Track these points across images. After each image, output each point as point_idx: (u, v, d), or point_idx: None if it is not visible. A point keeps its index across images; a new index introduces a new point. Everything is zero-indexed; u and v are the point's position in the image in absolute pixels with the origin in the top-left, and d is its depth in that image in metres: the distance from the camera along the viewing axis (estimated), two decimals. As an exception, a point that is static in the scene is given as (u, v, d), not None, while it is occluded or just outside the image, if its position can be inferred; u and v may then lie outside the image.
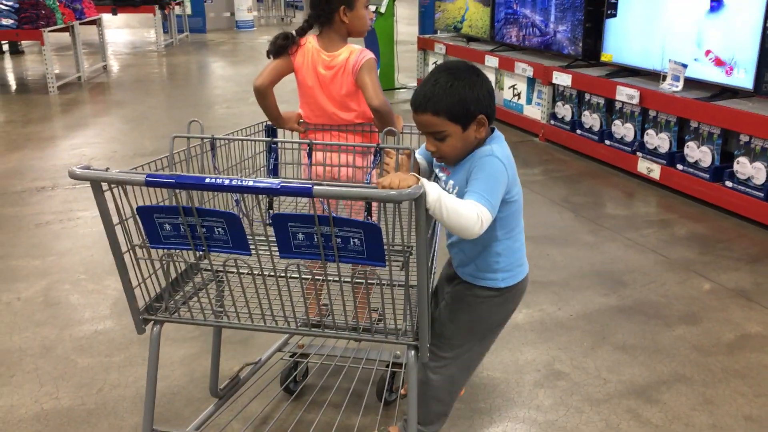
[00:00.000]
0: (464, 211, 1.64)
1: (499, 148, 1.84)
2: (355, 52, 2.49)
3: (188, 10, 15.34)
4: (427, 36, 8.66)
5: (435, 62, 8.33)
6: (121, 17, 13.60)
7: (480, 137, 1.84)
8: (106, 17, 11.34)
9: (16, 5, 8.16)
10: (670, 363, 2.85)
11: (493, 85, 2.63)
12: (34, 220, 4.41)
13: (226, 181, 1.51)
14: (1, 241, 4.08)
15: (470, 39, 7.86)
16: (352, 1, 2.47)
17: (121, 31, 16.47)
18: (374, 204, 2.12)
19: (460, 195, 1.77)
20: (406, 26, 11.54)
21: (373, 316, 2.06)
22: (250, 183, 1.51)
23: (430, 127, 1.80)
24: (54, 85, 8.52)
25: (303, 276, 1.99)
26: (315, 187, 1.48)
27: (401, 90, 8.74)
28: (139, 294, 1.88)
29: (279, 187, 1.51)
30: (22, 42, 12.20)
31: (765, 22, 4.26)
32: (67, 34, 9.47)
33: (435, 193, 1.61)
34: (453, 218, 1.63)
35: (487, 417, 2.50)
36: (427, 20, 8.93)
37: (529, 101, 6.56)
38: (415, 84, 8.75)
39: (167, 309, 1.90)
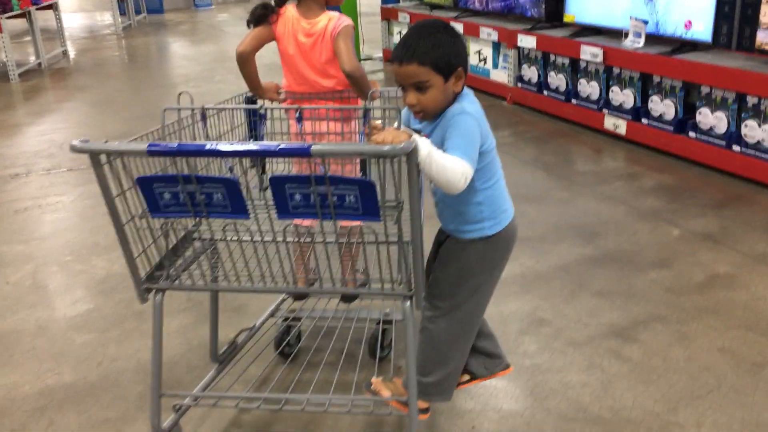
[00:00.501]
0: (450, 165, 1.73)
1: (469, 104, 1.92)
2: (333, 18, 2.56)
3: (144, -9, 15.09)
4: (390, 5, 8.68)
5: (399, 32, 8.37)
6: (76, 0, 13.36)
7: (457, 90, 1.92)
8: (61, 1, 11.12)
9: (-30, -8, 7.98)
10: (645, 305, 3.00)
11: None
12: (13, 206, 4.41)
13: (226, 146, 1.58)
14: (-19, 229, 4.09)
15: (433, 6, 7.91)
16: None
17: (75, 15, 16.14)
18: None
19: None
20: (367, -3, 11.51)
21: (358, 277, 2.16)
22: (250, 147, 1.58)
23: (413, 78, 1.86)
24: (15, 73, 8.38)
25: (294, 240, 2.07)
26: (313, 146, 1.56)
27: (367, 61, 8.77)
28: (140, 265, 1.94)
29: (278, 148, 1.58)
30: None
31: (720, -24, 4.39)
32: (20, 20, 9.29)
33: (425, 148, 1.70)
34: (441, 173, 1.72)
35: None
36: (389, -11, 8.94)
37: (495, 65, 6.66)
38: (380, 54, 8.79)
39: (168, 277, 1.97)
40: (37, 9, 9.29)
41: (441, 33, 1.87)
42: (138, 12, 14.58)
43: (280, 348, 2.59)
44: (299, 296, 2.70)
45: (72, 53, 10.54)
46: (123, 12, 13.82)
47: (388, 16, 8.53)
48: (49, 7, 9.96)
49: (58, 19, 10.25)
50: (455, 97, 1.93)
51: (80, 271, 3.52)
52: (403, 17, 8.06)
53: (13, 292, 3.33)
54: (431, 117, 1.95)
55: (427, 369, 2.15)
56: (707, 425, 2.27)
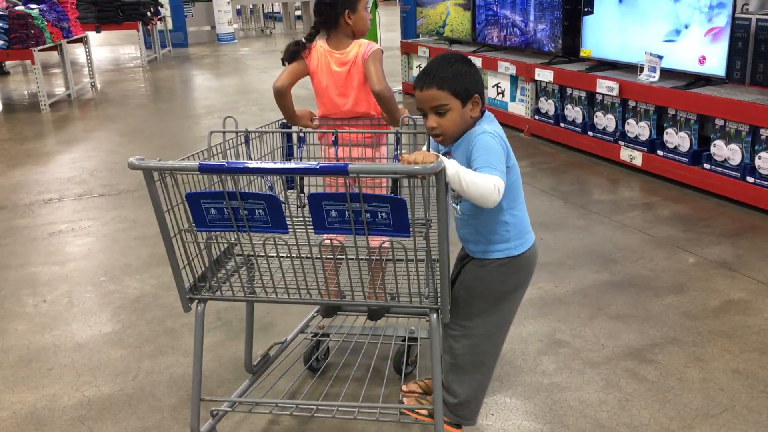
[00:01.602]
0: (481, 181, 1.86)
1: (488, 125, 2.07)
2: (363, 45, 2.75)
3: (170, 26, 15.51)
4: (410, 40, 8.91)
5: (419, 65, 8.58)
6: (103, 35, 13.75)
7: (474, 116, 2.07)
8: (89, 35, 11.48)
9: (6, 26, 8.30)
10: (661, 328, 3.08)
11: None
12: (47, 229, 4.58)
13: (271, 165, 1.72)
14: (17, 250, 4.25)
15: (452, 41, 8.12)
16: (354, 3, 2.72)
17: (102, 49, 16.60)
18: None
19: None
20: (386, 32, 11.79)
21: (379, 297, 2.27)
22: (292, 165, 1.72)
23: (433, 101, 2.02)
24: (46, 103, 8.66)
25: (326, 257, 2.20)
26: (350, 165, 1.69)
27: (387, 94, 8.96)
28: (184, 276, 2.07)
29: (318, 167, 1.72)
30: (6, 63, 12.30)
31: (733, 13, 4.54)
32: (49, 53, 9.60)
33: (453, 167, 1.83)
34: (472, 188, 1.85)
35: (498, 383, 2.72)
36: (409, 25, 9.18)
37: (513, 98, 6.82)
38: (400, 87, 9.00)
39: (210, 288, 2.10)
40: (68, 42, 9.61)
41: (459, 63, 2.04)
42: (163, 46, 14.97)
43: (309, 363, 2.70)
44: (328, 313, 2.81)
45: (99, 85, 10.85)
46: (149, 46, 14.21)
47: (408, 50, 8.76)
48: (79, 40, 10.30)
49: (88, 52, 10.58)
50: (474, 122, 2.07)
51: (114, 290, 3.66)
52: (423, 51, 8.27)
53: (51, 310, 3.47)
54: (450, 141, 2.09)
55: (451, 389, 2.23)
56: (722, 441, 2.35)
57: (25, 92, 10.52)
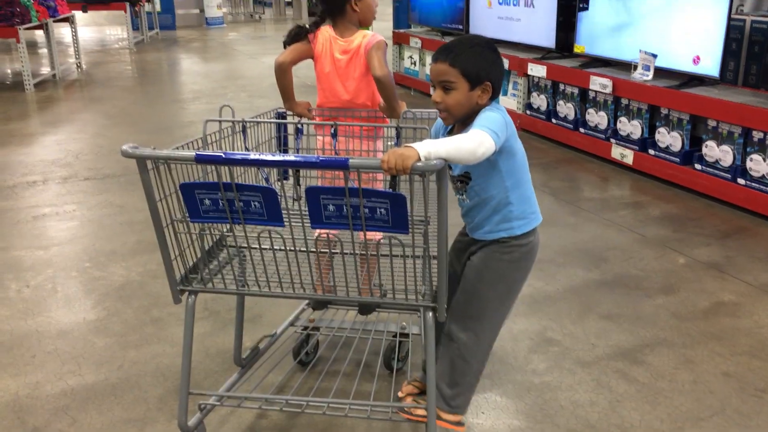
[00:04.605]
0: (461, 138, 1.84)
1: (494, 107, 2.05)
2: (367, 35, 2.72)
3: (158, 7, 15.31)
4: (402, 30, 8.84)
5: (410, 56, 8.53)
6: (89, 15, 13.53)
7: (481, 103, 2.04)
8: (75, 14, 11.30)
9: (-9, 3, 8.14)
10: (651, 329, 3.07)
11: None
12: (31, 212, 4.49)
13: (271, 157, 1.68)
14: (0, 233, 4.17)
15: (445, 33, 8.06)
16: None
17: (88, 29, 16.35)
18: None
19: None
20: (378, 22, 11.70)
21: (374, 293, 2.24)
22: (292, 158, 1.67)
23: (442, 76, 2.00)
24: (30, 83, 8.51)
25: (320, 251, 2.16)
26: (351, 160, 1.65)
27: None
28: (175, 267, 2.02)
29: (318, 160, 1.68)
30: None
31: (729, 14, 4.53)
32: (33, 32, 9.43)
33: (427, 146, 1.75)
34: (456, 149, 1.79)
35: (488, 381, 2.69)
36: (401, 15, 9.12)
37: (505, 93, 6.79)
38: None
39: (202, 280, 2.05)
40: (54, 21, 9.45)
41: (479, 46, 2.03)
42: (151, 28, 14.78)
43: (299, 357, 2.67)
44: (319, 306, 2.78)
45: (85, 66, 10.69)
46: (136, 27, 14.02)
47: (400, 40, 8.70)
48: (66, 20, 10.13)
49: (74, 32, 10.41)
50: (480, 108, 2.04)
51: (99, 277, 3.60)
52: (415, 42, 8.21)
53: (34, 295, 3.40)
54: (452, 120, 2.08)
55: (453, 380, 2.22)
56: (712, 445, 2.34)
57: (9, 71, 10.34)
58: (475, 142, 1.83)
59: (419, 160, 1.70)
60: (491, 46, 2.06)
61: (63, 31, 13.47)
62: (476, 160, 1.85)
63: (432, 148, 1.76)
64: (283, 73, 2.70)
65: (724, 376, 2.73)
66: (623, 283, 3.51)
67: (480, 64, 2.00)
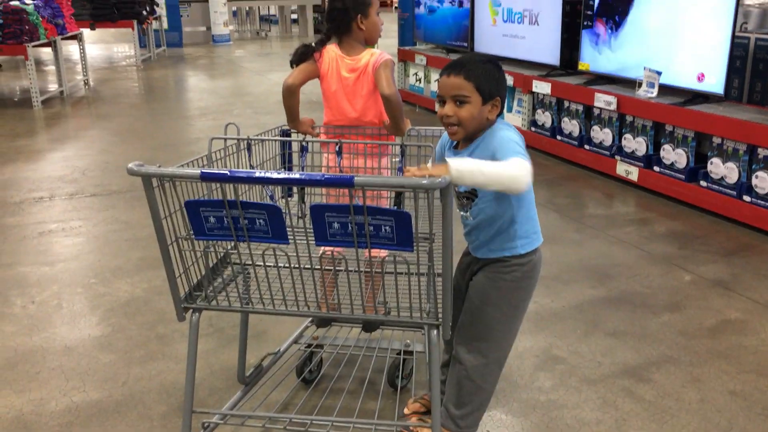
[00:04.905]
0: (504, 165, 1.85)
1: (505, 126, 2.09)
2: (375, 54, 2.73)
3: (165, 25, 15.43)
4: (407, 48, 8.89)
5: (415, 73, 8.56)
6: (97, 32, 13.65)
7: (491, 118, 2.08)
8: (83, 32, 11.39)
9: (0, 21, 8.22)
10: (658, 346, 3.06)
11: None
12: (37, 229, 4.51)
13: (275, 175, 1.68)
14: (6, 249, 4.18)
15: (450, 50, 8.10)
16: (366, 9, 2.70)
17: (96, 46, 16.48)
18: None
19: None
20: (383, 39, 11.77)
21: (379, 311, 2.24)
22: (296, 176, 1.68)
23: (456, 90, 2.03)
24: (38, 100, 8.58)
25: (325, 268, 2.16)
26: (356, 178, 1.66)
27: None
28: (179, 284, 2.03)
29: (322, 178, 1.68)
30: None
31: (734, 31, 4.54)
32: (42, 49, 9.50)
33: (470, 163, 1.81)
34: (494, 175, 1.83)
35: (494, 399, 2.67)
36: (406, 32, 9.17)
37: (509, 109, 6.80)
38: (396, 94, 8.96)
39: (206, 297, 2.05)
40: (62, 39, 9.53)
41: (490, 63, 2.07)
42: (158, 45, 14.89)
43: (303, 374, 2.66)
44: (322, 324, 2.77)
45: (92, 83, 10.76)
46: (143, 45, 14.12)
47: (405, 58, 8.74)
48: (74, 37, 10.22)
49: (82, 49, 10.50)
50: (489, 125, 2.06)
51: (104, 293, 3.60)
52: (420, 59, 8.25)
53: (39, 311, 3.41)
54: (462, 135, 2.08)
55: (462, 400, 2.21)
56: (720, 465, 2.32)
57: (17, 88, 10.42)
58: (517, 168, 1.84)
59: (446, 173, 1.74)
60: (498, 64, 2.10)
61: (71, 49, 13.58)
62: (521, 188, 1.86)
63: (465, 166, 1.79)
64: (291, 95, 2.72)
65: (731, 395, 2.71)
66: (629, 300, 3.49)
67: (492, 80, 2.04)
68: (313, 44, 2.77)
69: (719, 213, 4.60)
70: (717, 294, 3.56)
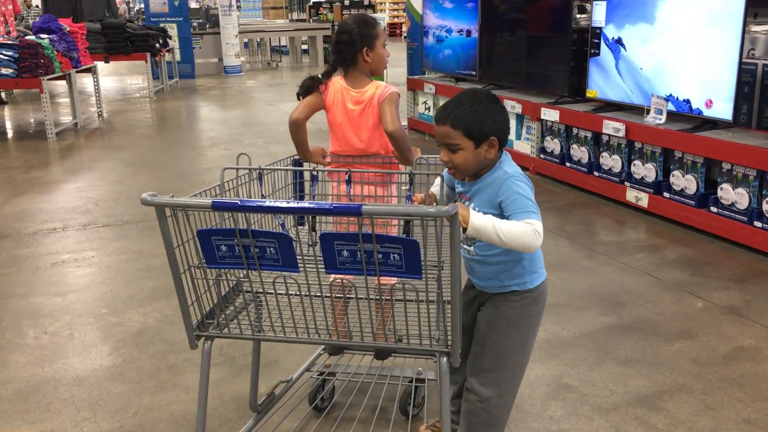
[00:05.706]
0: (520, 229, 1.89)
1: (509, 167, 2.07)
2: (380, 87, 2.76)
3: (178, 57, 15.64)
4: (416, 77, 8.97)
5: (424, 102, 8.63)
6: (111, 65, 13.84)
7: (490, 157, 2.05)
8: (97, 64, 11.57)
9: (16, 55, 8.38)
10: (670, 374, 3.04)
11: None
12: (50, 259, 4.55)
13: (285, 204, 1.70)
14: (20, 280, 4.22)
15: (458, 79, 8.17)
16: (372, 42, 2.74)
17: (110, 78, 16.71)
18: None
19: None
20: (393, 68, 11.88)
21: (389, 339, 2.24)
22: (306, 204, 1.70)
23: (446, 138, 2.03)
24: (52, 132, 8.69)
25: (335, 296, 2.17)
26: (364, 206, 1.68)
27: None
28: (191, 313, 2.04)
29: (332, 207, 1.70)
30: (2, 92, 12.28)
31: (741, 57, 4.56)
32: (57, 82, 9.65)
33: (487, 220, 1.85)
34: (510, 239, 1.88)
35: (505, 429, 2.66)
36: (415, 61, 9.25)
37: (518, 137, 6.84)
38: (406, 123, 9.03)
39: (218, 325, 2.07)
40: (77, 72, 9.69)
41: (481, 103, 2.02)
42: (171, 77, 15.09)
43: (315, 403, 2.66)
44: (334, 351, 2.78)
45: (106, 114, 10.91)
46: (156, 76, 14.32)
47: (414, 86, 8.82)
48: (88, 70, 10.38)
49: (96, 81, 10.66)
50: (492, 163, 2.06)
51: (116, 323, 3.62)
52: (429, 88, 8.32)
53: (51, 342, 3.43)
54: (462, 176, 2.10)
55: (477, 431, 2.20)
56: (735, 494, 2.29)
57: (32, 120, 10.57)
58: (530, 234, 1.90)
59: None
60: (492, 98, 2.06)
61: (85, 81, 13.79)
62: (531, 251, 1.95)
63: (483, 227, 1.87)
64: (297, 129, 2.76)
65: (745, 424, 2.68)
66: (641, 327, 3.48)
67: (483, 120, 2.00)
68: (319, 76, 2.81)
69: (730, 239, 4.58)
70: (730, 321, 3.53)
